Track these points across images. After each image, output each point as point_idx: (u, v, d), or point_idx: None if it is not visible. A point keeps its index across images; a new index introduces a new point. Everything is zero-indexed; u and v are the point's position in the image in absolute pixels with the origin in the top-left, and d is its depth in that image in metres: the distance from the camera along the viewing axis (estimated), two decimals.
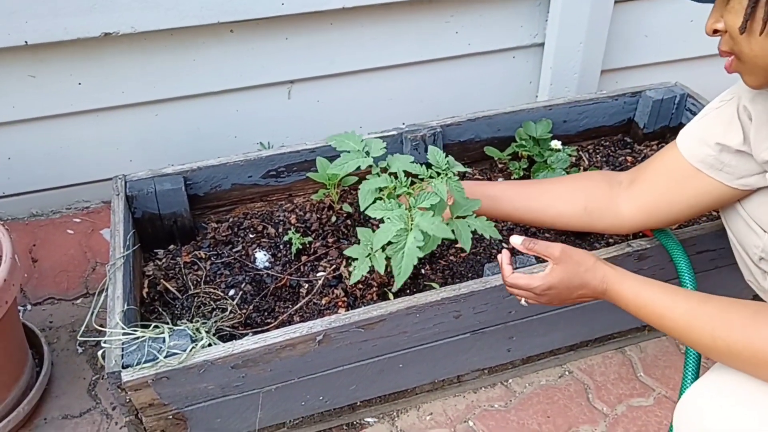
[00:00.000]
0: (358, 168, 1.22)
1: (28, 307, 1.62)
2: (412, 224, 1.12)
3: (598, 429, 1.37)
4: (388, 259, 1.19)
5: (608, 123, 1.86)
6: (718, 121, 1.08)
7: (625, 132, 1.90)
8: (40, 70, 1.67)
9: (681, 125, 1.86)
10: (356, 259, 1.24)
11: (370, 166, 1.22)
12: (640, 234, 1.38)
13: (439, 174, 1.21)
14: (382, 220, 1.15)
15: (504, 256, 1.15)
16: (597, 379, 1.47)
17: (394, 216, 1.12)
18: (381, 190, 1.21)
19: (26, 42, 1.58)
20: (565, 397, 1.43)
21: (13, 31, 1.56)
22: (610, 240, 1.55)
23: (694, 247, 1.34)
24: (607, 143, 1.88)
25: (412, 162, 1.25)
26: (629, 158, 1.82)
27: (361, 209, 1.18)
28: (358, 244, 1.27)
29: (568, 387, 1.45)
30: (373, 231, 1.20)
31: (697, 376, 1.15)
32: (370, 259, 1.22)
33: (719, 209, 1.16)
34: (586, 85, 2.13)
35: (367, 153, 1.24)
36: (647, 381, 1.46)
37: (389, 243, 1.11)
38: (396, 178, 1.20)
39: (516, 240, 1.12)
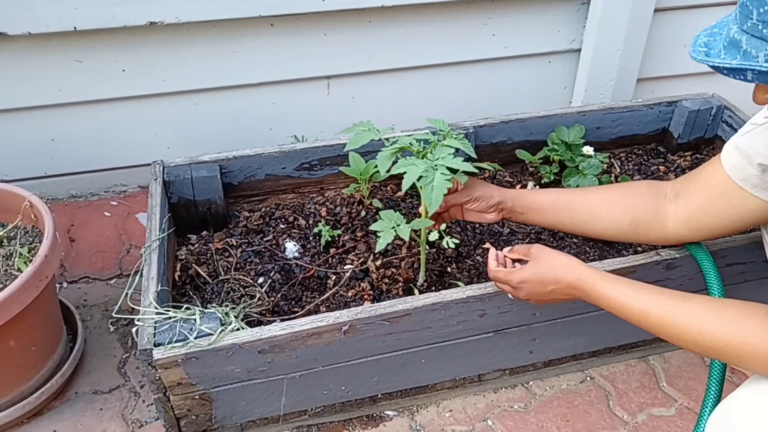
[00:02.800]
0: (371, 141, 1.29)
1: (64, 284, 1.67)
2: (437, 165, 1.21)
3: None
4: (413, 230, 1.27)
5: (642, 131, 1.85)
6: (761, 138, 1.07)
7: (659, 141, 1.89)
8: (86, 56, 1.73)
9: (717, 137, 1.84)
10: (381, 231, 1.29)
11: (381, 139, 1.30)
12: None
13: (445, 137, 1.30)
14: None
15: (491, 252, 1.26)
16: (619, 386, 1.47)
17: (418, 162, 1.20)
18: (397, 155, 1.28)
19: (75, 28, 1.63)
20: (585, 402, 1.43)
21: (64, 17, 1.61)
22: (639, 249, 1.54)
23: (725, 260, 1.33)
24: (640, 152, 1.87)
25: (420, 134, 1.34)
26: (662, 168, 1.81)
27: (381, 174, 1.25)
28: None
29: (589, 392, 1.45)
30: None
31: (721, 389, 1.14)
32: (394, 230, 1.27)
33: (762, 225, 1.15)
34: (621, 92, 2.12)
35: (378, 131, 1.31)
36: (670, 391, 1.46)
37: (419, 178, 1.18)
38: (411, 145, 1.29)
39: (500, 252, 1.27)
